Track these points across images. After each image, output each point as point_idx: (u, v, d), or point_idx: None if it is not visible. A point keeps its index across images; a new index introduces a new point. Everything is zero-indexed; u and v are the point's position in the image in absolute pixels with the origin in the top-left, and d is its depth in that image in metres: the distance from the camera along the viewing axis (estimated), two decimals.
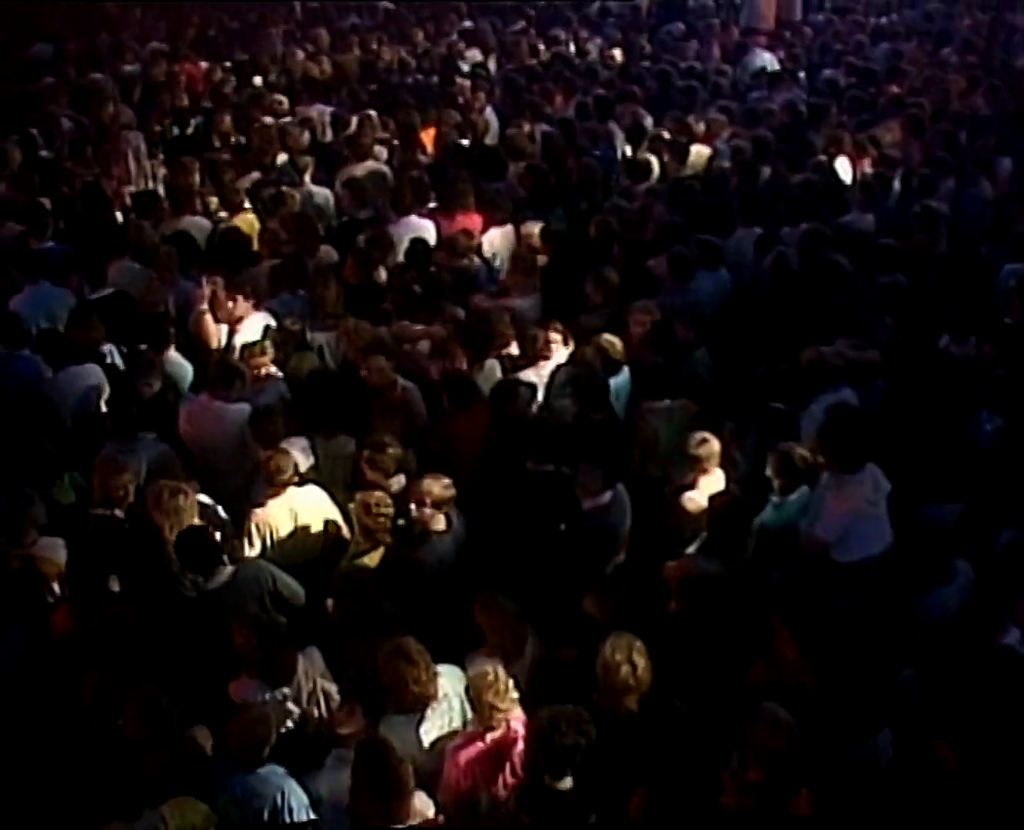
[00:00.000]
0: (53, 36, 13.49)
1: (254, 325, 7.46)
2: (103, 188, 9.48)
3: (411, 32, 13.70)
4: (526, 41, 13.29)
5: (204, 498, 6.37)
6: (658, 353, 7.18)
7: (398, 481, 6.22)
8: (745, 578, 5.74)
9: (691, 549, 6.02)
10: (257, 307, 7.58)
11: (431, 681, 4.99)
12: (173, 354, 7.44)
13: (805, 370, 6.83)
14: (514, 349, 7.49)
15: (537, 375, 7.20)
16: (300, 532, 6.19)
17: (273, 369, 7.13)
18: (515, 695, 4.85)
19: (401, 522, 6.00)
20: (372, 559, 5.94)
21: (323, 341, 7.48)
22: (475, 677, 4.92)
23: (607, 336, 7.13)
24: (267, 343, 7.15)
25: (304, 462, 6.45)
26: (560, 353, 7.35)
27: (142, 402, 6.88)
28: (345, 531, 6.27)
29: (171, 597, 5.73)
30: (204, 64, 12.61)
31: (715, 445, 6.29)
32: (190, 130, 10.85)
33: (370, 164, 9.75)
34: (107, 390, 7.15)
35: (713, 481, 6.30)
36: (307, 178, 9.50)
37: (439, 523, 5.94)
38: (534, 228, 8.61)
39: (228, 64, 12.52)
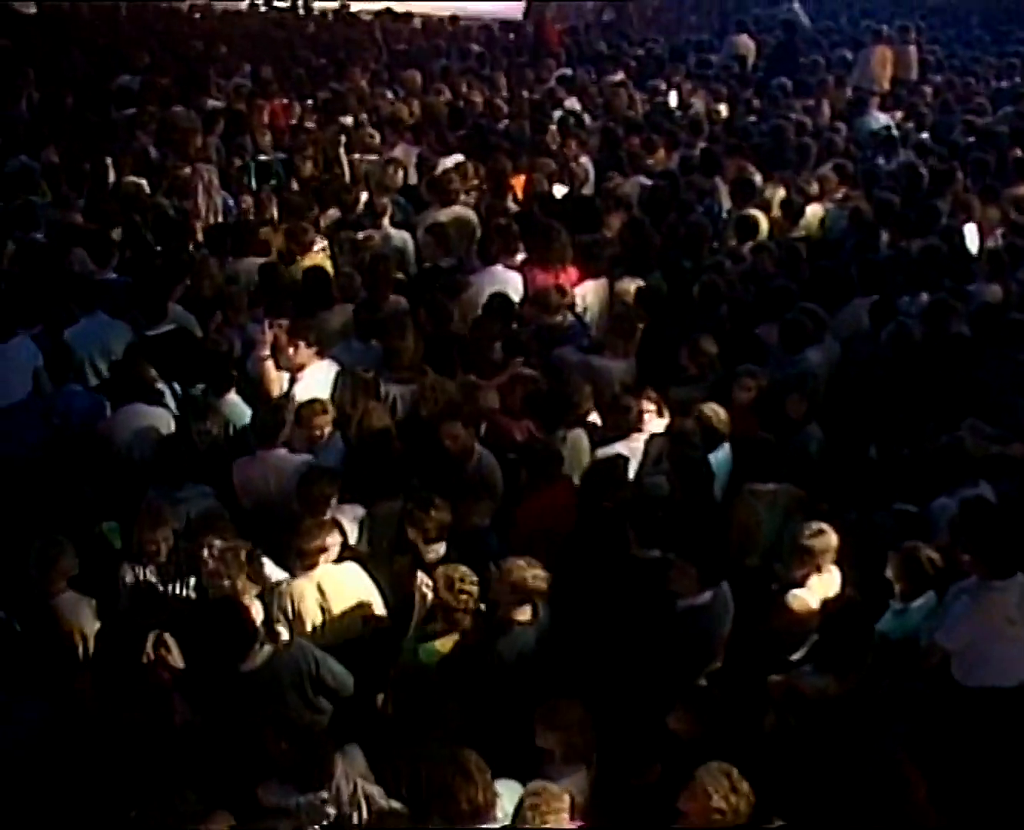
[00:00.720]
0: (139, 68, 13.23)
1: (318, 375, 6.86)
2: (176, 220, 9.01)
3: (504, 77, 13.14)
4: (625, 92, 12.67)
5: (268, 565, 5.74)
6: (765, 428, 6.44)
7: (435, 550, 5.55)
8: (862, 697, 4.94)
9: (797, 656, 5.26)
10: (322, 355, 6.98)
11: (488, 802, 4.25)
12: (233, 397, 6.87)
13: (936, 457, 6.02)
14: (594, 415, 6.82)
15: (628, 448, 6.47)
16: (329, 616, 5.50)
17: (329, 430, 6.50)
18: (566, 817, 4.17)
19: (483, 606, 5.28)
20: (444, 645, 5.24)
21: (397, 395, 6.83)
22: (525, 794, 4.23)
23: (711, 405, 6.38)
24: (328, 401, 6.53)
25: (354, 534, 5.80)
26: (654, 424, 6.62)
27: (195, 449, 6.35)
28: (384, 616, 5.61)
29: (200, 679, 5.08)
30: (287, 101, 12.19)
31: (831, 538, 5.49)
32: (271, 166, 10.35)
33: (456, 209, 9.12)
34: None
35: (827, 580, 5.52)
36: (386, 220, 8.90)
37: (524, 613, 5.20)
38: (631, 285, 7.88)
39: (311, 102, 12.06)
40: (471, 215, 9.21)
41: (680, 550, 5.40)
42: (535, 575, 5.13)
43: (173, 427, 6.66)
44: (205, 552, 5.53)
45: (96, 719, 4.86)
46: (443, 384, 6.51)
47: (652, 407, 6.63)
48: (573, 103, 12.46)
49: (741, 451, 6.39)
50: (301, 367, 6.86)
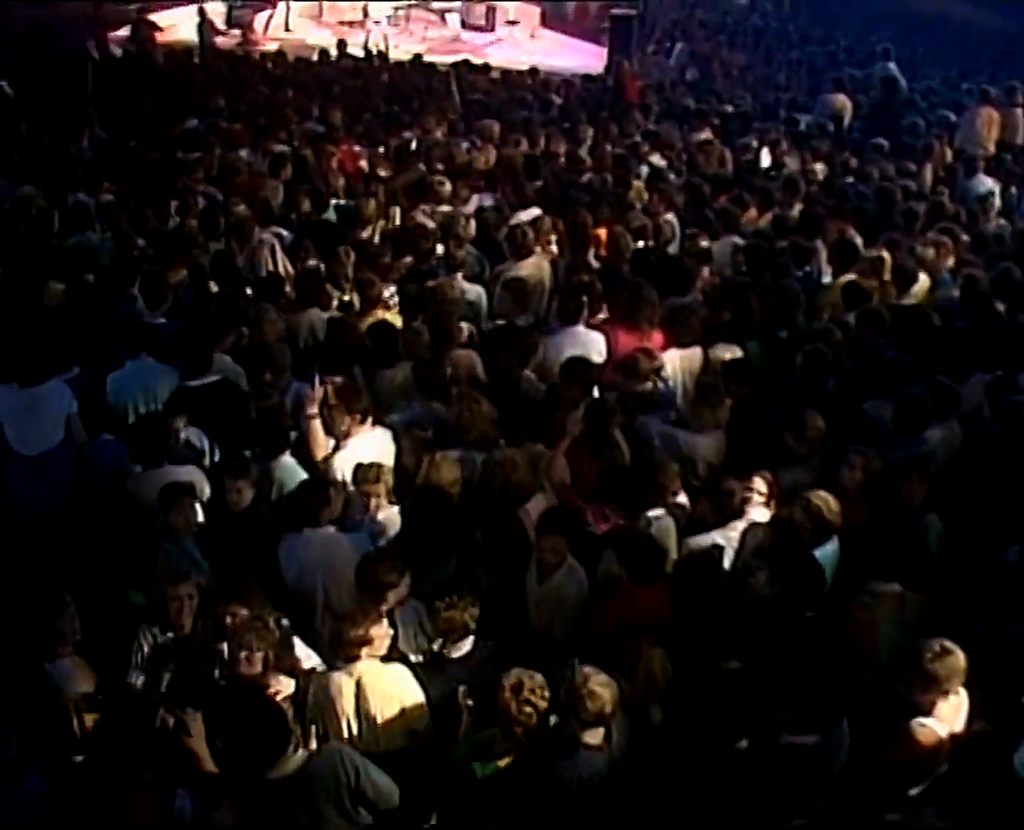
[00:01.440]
0: (208, 113, 12.86)
1: (367, 443, 6.22)
2: (233, 265, 8.47)
3: (584, 130, 12.50)
4: (714, 149, 11.97)
5: (300, 646, 5.15)
6: (877, 516, 5.71)
7: (459, 648, 4.96)
8: None
9: (916, 791, 4.54)
10: (374, 420, 6.36)
11: None
12: (288, 460, 6.24)
13: None
14: (682, 497, 6.11)
15: (725, 538, 5.71)
16: (367, 720, 4.82)
17: (382, 500, 5.86)
18: None
19: (553, 719, 4.56)
20: (502, 760, 4.53)
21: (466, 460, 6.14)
22: None
23: (821, 493, 5.59)
24: (385, 468, 5.88)
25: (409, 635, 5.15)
26: (756, 512, 5.85)
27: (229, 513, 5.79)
28: (431, 728, 4.91)
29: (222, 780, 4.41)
30: (358, 147, 11.67)
31: (959, 660, 4.67)
32: (338, 213, 9.79)
33: (533, 263, 8.45)
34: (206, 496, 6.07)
35: (955, 705, 4.71)
36: (459, 274, 8.26)
37: (595, 736, 4.44)
38: (724, 353, 7.12)
39: (383, 150, 11.53)
40: (549, 270, 8.54)
41: (783, 664, 4.63)
42: (613, 695, 4.37)
43: (207, 490, 6.06)
44: (229, 620, 5.00)
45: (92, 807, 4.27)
46: (515, 458, 5.77)
47: (763, 491, 5.86)
48: (657, 159, 11.79)
49: (850, 543, 5.63)
50: (347, 434, 6.22)
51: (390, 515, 5.79)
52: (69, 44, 16.59)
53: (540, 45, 22.70)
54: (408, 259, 8.57)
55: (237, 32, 21.66)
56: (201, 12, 20.71)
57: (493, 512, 5.71)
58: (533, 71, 16.18)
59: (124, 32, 18.54)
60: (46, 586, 5.18)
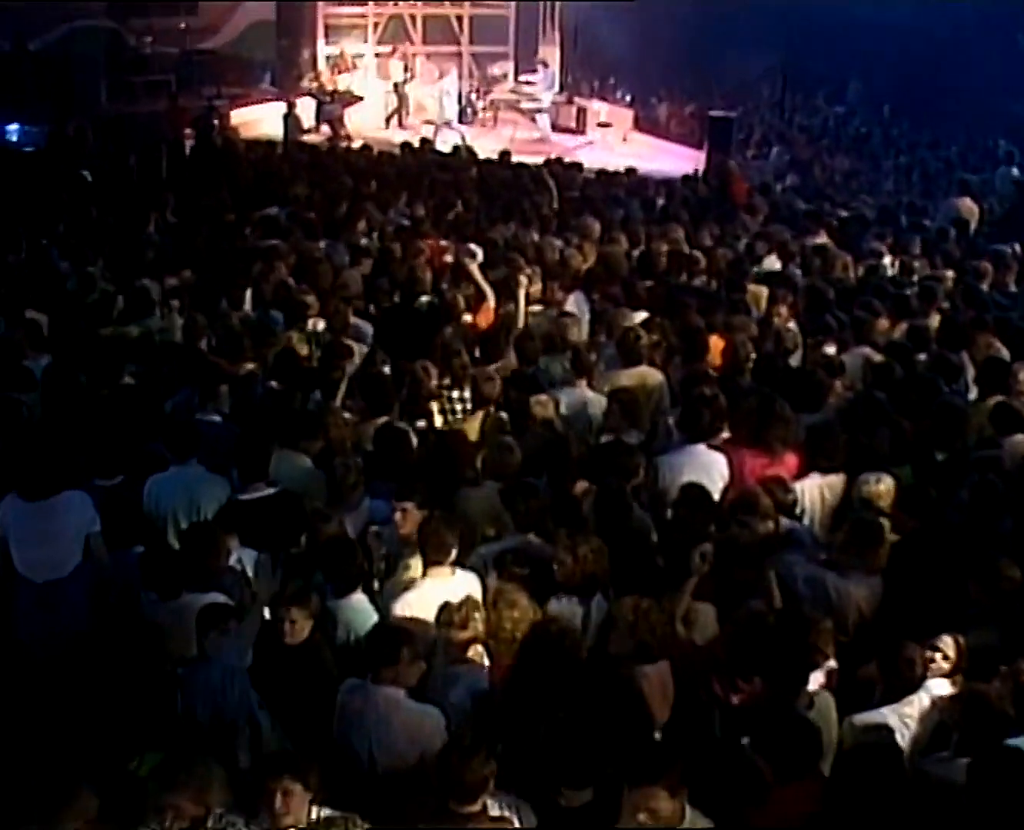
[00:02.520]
0: (286, 200, 12.18)
1: (454, 584, 5.19)
2: (305, 363, 7.58)
3: (691, 230, 11.51)
4: (833, 253, 10.89)
5: None
6: None
7: None
8: None
9: None
10: (459, 561, 5.34)
11: None
12: (360, 598, 5.27)
13: None
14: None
15: (899, 717, 4.52)
16: None
17: (480, 648, 4.78)
18: None
19: None
20: None
21: (568, 611, 5.06)
22: None
23: None
24: (474, 610, 4.82)
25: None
26: (936, 684, 4.65)
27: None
28: None
29: None
30: (444, 242, 10.83)
31: None
32: (434, 307, 8.90)
33: (644, 372, 7.41)
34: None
35: None
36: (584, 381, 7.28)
37: None
38: (877, 484, 5.94)
39: (472, 245, 10.64)
40: (661, 379, 7.49)
41: None
42: None
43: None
44: (279, 800, 3.99)
45: None
46: (642, 607, 4.65)
47: (951, 657, 4.70)
48: (773, 261, 10.75)
49: None
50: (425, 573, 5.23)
51: (475, 675, 4.69)
52: (149, 136, 16.19)
53: (633, 148, 22.04)
54: (498, 363, 7.59)
55: (325, 129, 21.39)
56: (289, 106, 20.54)
57: (605, 675, 4.58)
58: (630, 170, 15.32)
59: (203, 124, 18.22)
60: (54, 766, 4.15)
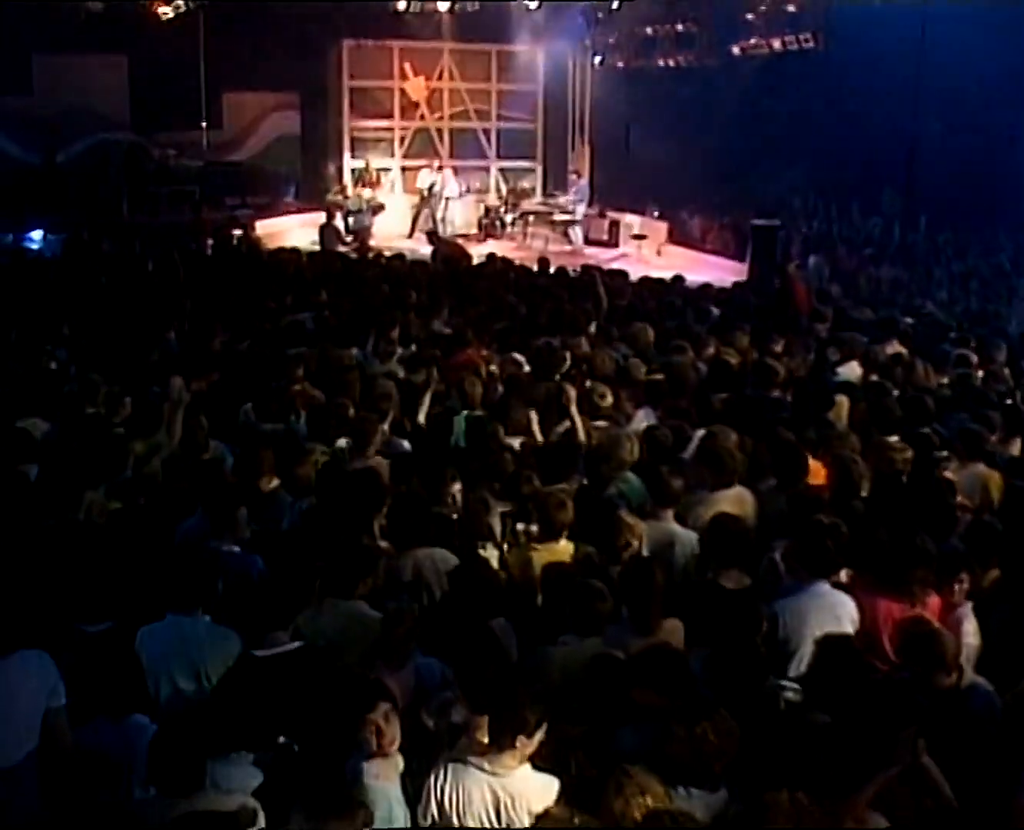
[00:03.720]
0: (315, 306, 11.29)
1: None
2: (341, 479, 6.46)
3: (750, 339, 10.47)
4: (912, 362, 9.83)
5: None
6: None
7: None
8: None
9: None
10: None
11: None
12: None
13: None
14: None
15: None
16: None
17: None
18: None
19: None
20: None
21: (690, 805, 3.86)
22: None
23: None
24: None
25: None
26: None
27: None
28: None
29: None
30: (486, 352, 9.81)
31: None
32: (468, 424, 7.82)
33: (739, 495, 6.29)
34: None
35: None
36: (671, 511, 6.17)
37: None
38: None
39: (519, 356, 9.65)
40: (754, 504, 6.36)
41: None
42: None
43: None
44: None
45: None
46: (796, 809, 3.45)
47: None
48: (852, 368, 9.68)
49: None
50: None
51: None
52: (170, 243, 15.51)
53: (669, 261, 21.23)
54: (563, 485, 6.47)
55: (350, 240, 20.82)
56: (329, 214, 20.12)
57: None
58: (678, 278, 14.41)
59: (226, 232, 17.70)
60: None
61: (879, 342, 11.00)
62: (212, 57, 21.39)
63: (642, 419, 7.87)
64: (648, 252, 22.09)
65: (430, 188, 23.12)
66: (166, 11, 20.23)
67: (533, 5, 23.19)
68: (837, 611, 5.15)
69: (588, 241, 22.50)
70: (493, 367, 9.40)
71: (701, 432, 7.37)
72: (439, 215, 22.65)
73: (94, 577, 4.86)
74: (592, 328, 10.82)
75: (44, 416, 7.32)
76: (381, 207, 22.67)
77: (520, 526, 6.02)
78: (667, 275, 15.58)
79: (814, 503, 5.88)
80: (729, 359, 9.29)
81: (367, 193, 22.89)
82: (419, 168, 23.80)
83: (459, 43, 24.79)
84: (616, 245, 22.76)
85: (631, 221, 23.13)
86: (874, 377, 9.52)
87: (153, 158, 21.12)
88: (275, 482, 6.57)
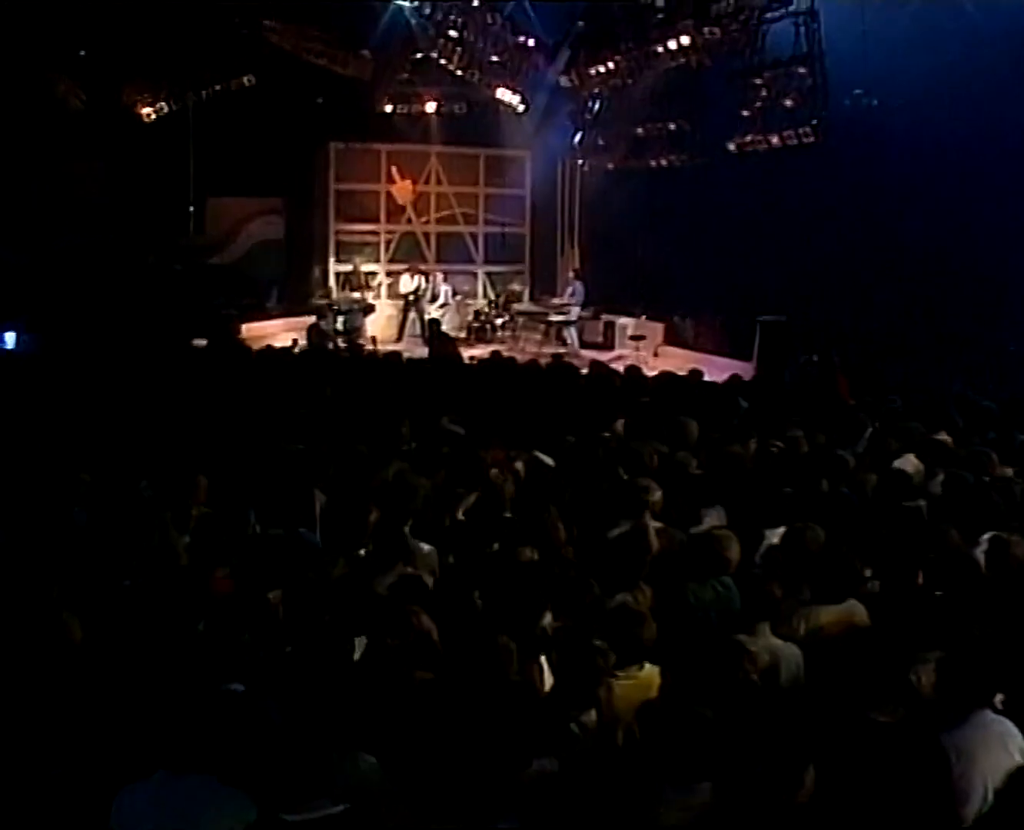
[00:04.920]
0: (319, 401, 10.31)
1: None
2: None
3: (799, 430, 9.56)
4: (979, 451, 8.94)
5: None
6: None
7: None
8: None
9: None
10: None
11: None
12: None
13: None
14: None
15: None
16: None
17: None
18: None
19: None
20: None
21: None
22: None
23: None
24: None
25: None
26: None
27: None
28: None
29: None
30: (510, 450, 8.71)
31: None
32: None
33: (847, 608, 5.28)
34: None
35: None
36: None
37: None
38: None
39: (543, 455, 8.67)
40: (865, 615, 5.34)
41: None
42: None
43: None
44: None
45: None
46: None
47: None
48: (909, 461, 8.73)
49: None
50: None
51: None
52: (153, 341, 14.62)
53: (666, 361, 20.47)
54: (633, 594, 5.43)
55: (341, 340, 20.05)
56: (320, 314, 19.74)
57: None
58: (696, 372, 13.57)
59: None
60: None
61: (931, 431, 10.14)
62: (196, 161, 20.76)
63: (713, 518, 6.85)
64: (646, 353, 21.35)
65: (415, 291, 22.47)
66: (150, 112, 19.56)
67: (521, 108, 22.83)
68: (1007, 743, 4.14)
69: (583, 343, 21.75)
70: (519, 465, 8.43)
71: (778, 531, 6.40)
72: (427, 317, 21.91)
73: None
74: (620, 425, 9.89)
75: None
76: (372, 307, 22.04)
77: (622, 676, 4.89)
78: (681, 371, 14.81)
79: (964, 613, 4.86)
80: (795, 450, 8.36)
81: (357, 294, 22.19)
82: (405, 272, 23.11)
83: (446, 146, 24.35)
84: (612, 347, 22.08)
85: (625, 323, 22.48)
86: (937, 469, 8.60)
87: (132, 259, 20.39)
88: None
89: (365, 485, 7.16)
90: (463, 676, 4.54)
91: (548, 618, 5.33)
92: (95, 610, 5.11)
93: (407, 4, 19.09)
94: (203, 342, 15.21)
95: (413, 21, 19.77)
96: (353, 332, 20.24)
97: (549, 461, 8.63)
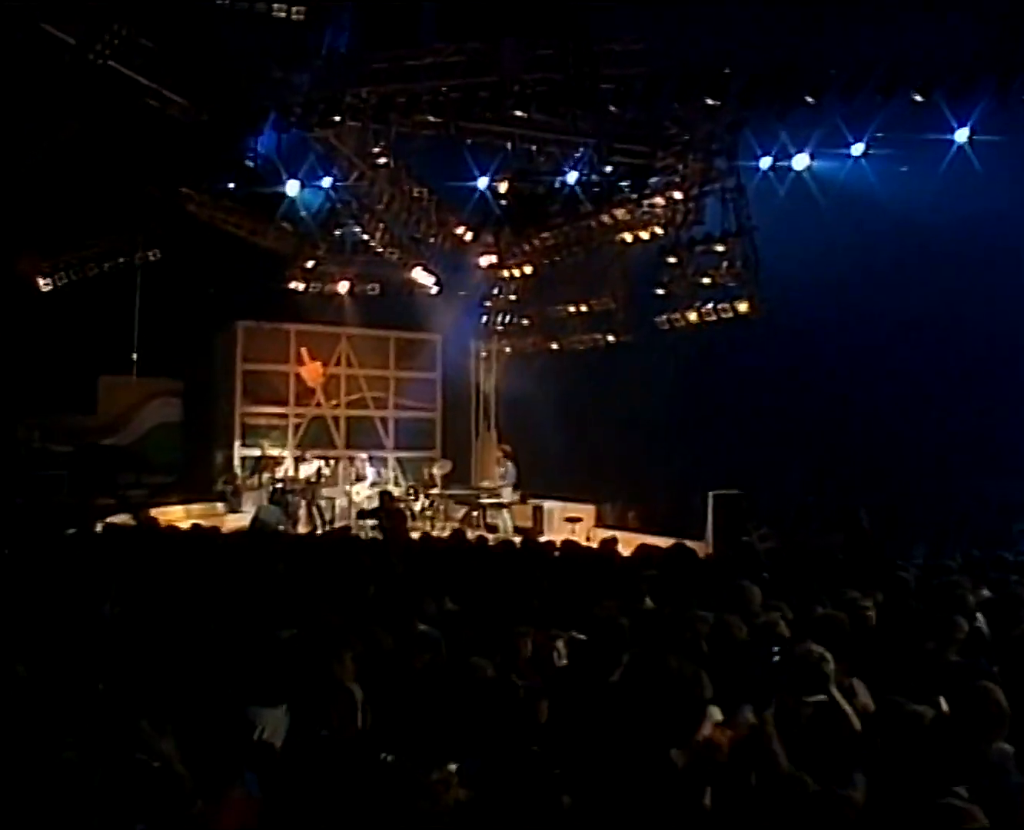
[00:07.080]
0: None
1: None
2: None
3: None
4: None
5: None
6: None
7: None
8: None
9: None
10: None
11: None
12: None
13: None
14: None
15: None
16: None
17: None
18: None
19: None
20: None
21: None
22: None
23: None
24: None
25: None
26: None
27: None
28: None
29: None
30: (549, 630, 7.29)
31: None
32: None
33: None
34: None
35: None
36: None
37: None
38: None
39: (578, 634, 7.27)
40: None
41: None
42: None
43: None
44: None
45: None
46: None
47: None
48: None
49: None
50: None
51: None
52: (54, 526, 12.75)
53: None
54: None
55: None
56: (259, 509, 17.87)
57: None
58: (680, 545, 12.33)
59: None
60: None
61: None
62: (91, 336, 19.13)
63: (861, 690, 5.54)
64: (579, 535, 20.15)
65: (317, 472, 20.68)
66: (47, 284, 17.99)
67: (434, 290, 22.09)
68: None
69: (517, 529, 20.48)
70: (560, 644, 7.02)
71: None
72: (325, 503, 20.16)
73: None
74: (648, 600, 8.57)
75: None
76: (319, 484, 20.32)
77: None
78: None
79: None
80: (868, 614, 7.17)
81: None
82: (302, 458, 21.38)
83: (358, 328, 23.39)
84: (541, 532, 20.83)
85: (552, 506, 21.35)
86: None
87: (17, 440, 18.55)
88: None
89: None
90: None
91: None
92: None
93: (330, 177, 18.27)
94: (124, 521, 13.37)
95: (334, 196, 18.99)
96: (294, 514, 18.50)
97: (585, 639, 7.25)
